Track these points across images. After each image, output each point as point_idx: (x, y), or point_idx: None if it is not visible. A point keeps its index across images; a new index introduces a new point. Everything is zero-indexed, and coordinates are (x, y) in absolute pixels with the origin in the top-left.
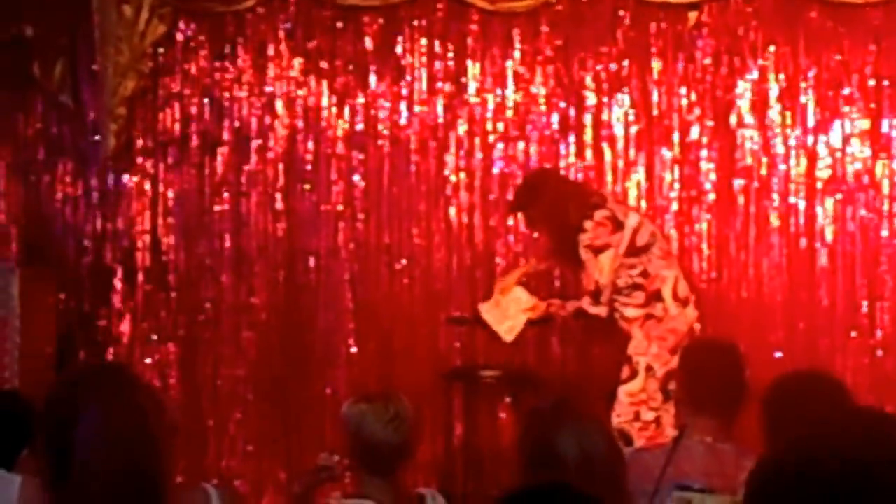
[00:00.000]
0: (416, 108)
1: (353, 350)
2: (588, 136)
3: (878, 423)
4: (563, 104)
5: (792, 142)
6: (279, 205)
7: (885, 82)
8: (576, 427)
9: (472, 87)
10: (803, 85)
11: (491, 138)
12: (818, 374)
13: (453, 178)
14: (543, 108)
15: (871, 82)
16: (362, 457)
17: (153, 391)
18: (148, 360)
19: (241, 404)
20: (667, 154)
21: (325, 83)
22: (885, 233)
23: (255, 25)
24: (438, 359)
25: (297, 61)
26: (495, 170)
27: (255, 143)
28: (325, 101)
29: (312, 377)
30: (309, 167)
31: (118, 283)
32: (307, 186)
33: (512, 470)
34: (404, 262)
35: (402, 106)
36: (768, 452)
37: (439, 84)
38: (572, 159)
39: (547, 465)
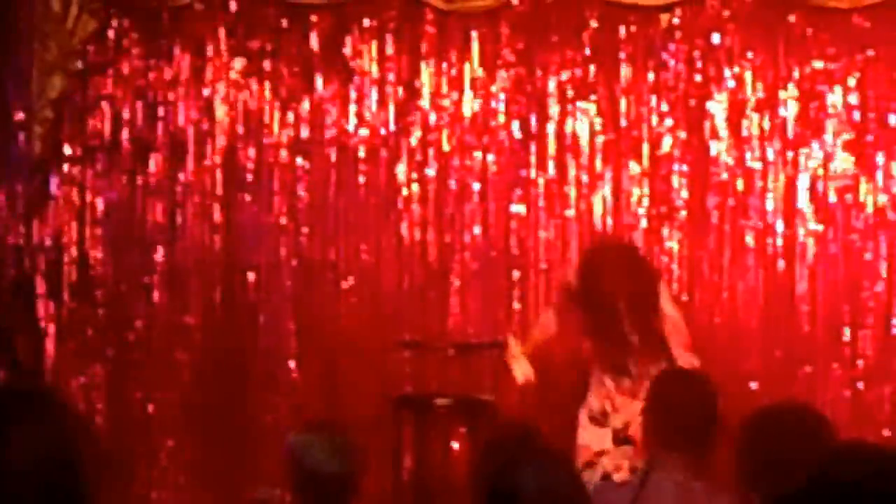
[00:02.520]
0: (366, 115)
1: (296, 374)
2: (551, 147)
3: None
4: (524, 112)
5: (770, 156)
6: (217, 216)
7: (871, 93)
8: (536, 462)
9: (427, 92)
10: (783, 95)
11: (446, 148)
12: (799, 408)
13: (405, 191)
14: (503, 116)
15: (856, 93)
16: (306, 490)
17: (82, 419)
18: (73, 383)
19: (173, 431)
20: (635, 167)
21: (267, 86)
22: (868, 255)
23: (193, 23)
24: (387, 385)
25: (238, 62)
26: (450, 182)
27: (191, 150)
28: (267, 106)
29: (251, 403)
30: (250, 176)
31: (42, 299)
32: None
33: None
34: (351, 280)
35: (351, 112)
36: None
37: (391, 89)
38: (533, 173)
39: (505, 503)
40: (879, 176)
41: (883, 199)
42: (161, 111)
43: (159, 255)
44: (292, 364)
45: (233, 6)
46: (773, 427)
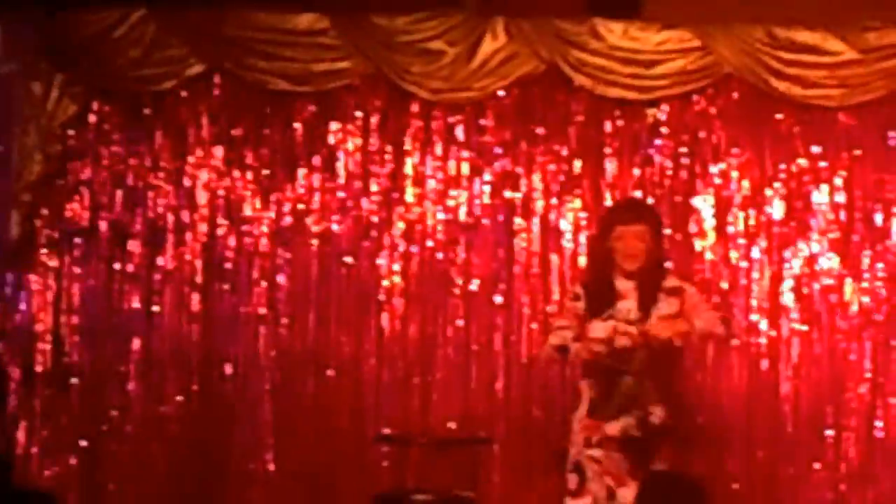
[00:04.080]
0: (349, 205)
1: (272, 468)
2: (535, 241)
3: None
4: (508, 205)
5: (755, 254)
6: (195, 305)
7: (857, 192)
8: None
9: (410, 183)
10: (769, 192)
11: (429, 241)
12: None
13: (387, 283)
14: (487, 208)
15: (842, 192)
16: None
17: None
18: (46, 473)
19: None
20: None
21: (249, 173)
22: (853, 356)
23: (175, 108)
24: (366, 479)
25: (220, 149)
26: (433, 275)
27: (170, 237)
28: (248, 194)
29: (227, 497)
30: (229, 265)
31: (15, 386)
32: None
33: None
34: (331, 371)
35: (334, 201)
36: None
37: (374, 179)
38: (517, 268)
39: None
40: (865, 276)
41: (868, 299)
42: (140, 197)
43: (135, 344)
44: (269, 457)
45: (215, 93)
46: None
